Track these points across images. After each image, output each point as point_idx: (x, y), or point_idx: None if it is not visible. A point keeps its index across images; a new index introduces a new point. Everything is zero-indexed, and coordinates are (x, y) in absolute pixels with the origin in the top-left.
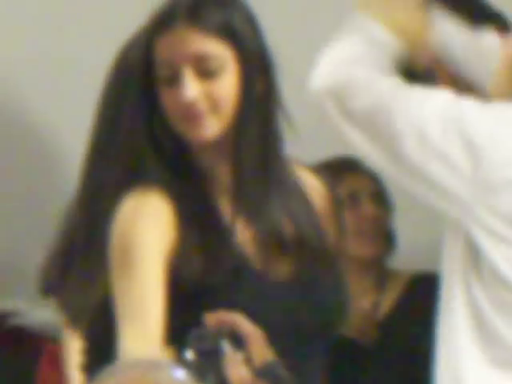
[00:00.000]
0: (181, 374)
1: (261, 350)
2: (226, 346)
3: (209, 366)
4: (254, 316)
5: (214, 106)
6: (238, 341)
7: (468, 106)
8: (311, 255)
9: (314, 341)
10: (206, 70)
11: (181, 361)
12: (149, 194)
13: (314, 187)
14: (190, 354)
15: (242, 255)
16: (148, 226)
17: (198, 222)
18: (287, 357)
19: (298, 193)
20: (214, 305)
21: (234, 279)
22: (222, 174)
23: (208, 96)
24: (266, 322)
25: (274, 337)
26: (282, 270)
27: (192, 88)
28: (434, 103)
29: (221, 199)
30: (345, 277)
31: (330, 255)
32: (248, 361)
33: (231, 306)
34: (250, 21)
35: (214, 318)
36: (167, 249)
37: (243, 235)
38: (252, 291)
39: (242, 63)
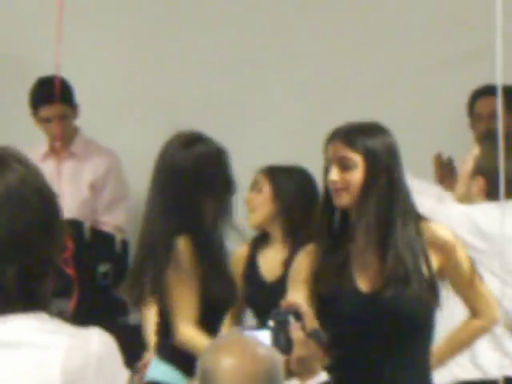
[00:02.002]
0: (266, 333)
1: (310, 321)
2: (291, 319)
3: (281, 329)
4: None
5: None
6: (298, 316)
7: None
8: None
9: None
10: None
11: (266, 326)
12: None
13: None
14: (271, 323)
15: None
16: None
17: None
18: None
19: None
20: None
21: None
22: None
23: (343, 180)
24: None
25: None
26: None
27: (333, 174)
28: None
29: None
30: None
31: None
32: (303, 327)
33: None
34: (386, 146)
35: (286, 303)
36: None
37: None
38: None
39: (369, 167)
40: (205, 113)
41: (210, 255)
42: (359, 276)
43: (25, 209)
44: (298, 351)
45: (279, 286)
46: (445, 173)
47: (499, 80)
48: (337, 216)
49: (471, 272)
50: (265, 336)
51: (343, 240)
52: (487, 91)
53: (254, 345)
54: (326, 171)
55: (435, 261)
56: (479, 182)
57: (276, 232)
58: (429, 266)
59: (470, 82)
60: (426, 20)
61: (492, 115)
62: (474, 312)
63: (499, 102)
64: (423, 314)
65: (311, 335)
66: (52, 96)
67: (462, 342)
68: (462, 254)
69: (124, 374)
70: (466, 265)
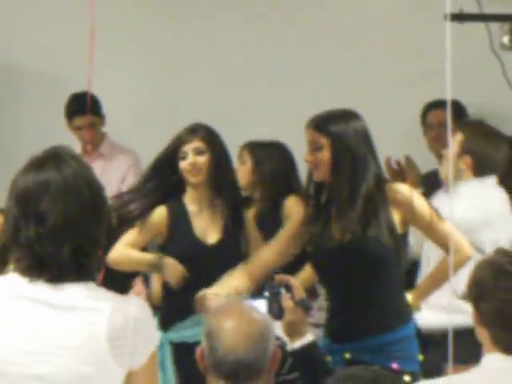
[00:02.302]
0: (262, 302)
1: (299, 292)
2: (283, 290)
3: (274, 299)
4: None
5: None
6: (288, 288)
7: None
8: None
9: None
10: (315, 148)
11: (262, 296)
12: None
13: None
14: (266, 293)
15: None
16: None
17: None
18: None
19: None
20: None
21: None
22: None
23: (314, 160)
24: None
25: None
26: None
27: (306, 155)
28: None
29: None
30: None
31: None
32: (292, 297)
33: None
34: (351, 129)
35: (279, 277)
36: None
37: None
38: None
39: (334, 148)
40: (210, 121)
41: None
42: (335, 228)
43: (78, 198)
44: (288, 317)
45: None
46: (394, 172)
47: (449, 96)
48: (313, 187)
49: (432, 215)
50: (260, 304)
51: (324, 204)
52: (437, 105)
53: (250, 310)
54: None
55: (398, 213)
56: (467, 161)
57: (256, 196)
58: (387, 216)
59: (423, 97)
60: (388, 45)
61: (441, 124)
62: (446, 250)
63: (449, 114)
64: (383, 254)
65: (299, 303)
66: (84, 108)
67: (438, 279)
68: (419, 202)
69: (156, 334)
70: (425, 210)
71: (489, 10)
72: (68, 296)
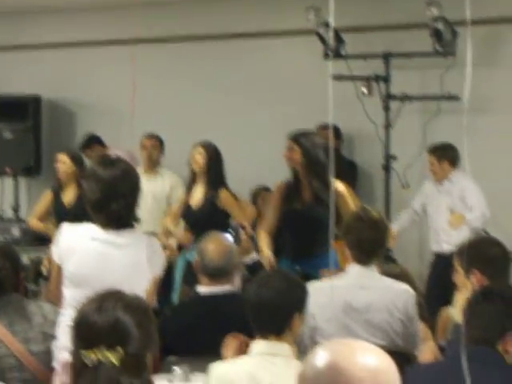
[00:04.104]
0: (229, 235)
1: (249, 230)
2: (240, 229)
3: (236, 233)
4: None
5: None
6: (243, 227)
7: None
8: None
9: None
10: (291, 150)
11: (229, 232)
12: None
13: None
14: (231, 230)
15: None
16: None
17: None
18: None
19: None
20: None
21: None
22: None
23: (291, 157)
24: None
25: None
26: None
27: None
28: None
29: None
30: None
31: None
32: (246, 233)
33: None
34: (312, 141)
35: (238, 221)
36: None
37: None
38: None
39: (302, 152)
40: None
41: None
42: (301, 201)
43: (129, 183)
44: (243, 244)
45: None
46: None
47: (330, 122)
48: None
49: (353, 199)
50: (229, 236)
51: (300, 184)
52: (323, 127)
53: (224, 239)
54: None
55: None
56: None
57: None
58: (326, 198)
59: (316, 124)
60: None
61: (326, 139)
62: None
63: (331, 133)
64: (325, 214)
65: (249, 236)
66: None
67: None
68: (344, 191)
69: (163, 253)
70: (348, 195)
71: (355, 72)
72: (125, 239)
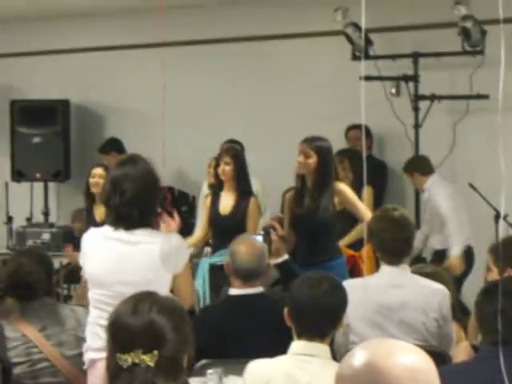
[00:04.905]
0: (260, 236)
1: (280, 231)
2: (271, 230)
3: (267, 235)
4: None
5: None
6: (274, 228)
7: None
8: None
9: None
10: (306, 156)
11: (260, 234)
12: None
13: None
14: (262, 232)
15: None
16: None
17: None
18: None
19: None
20: None
21: None
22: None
23: (305, 164)
24: None
25: None
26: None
27: (299, 159)
28: None
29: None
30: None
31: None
32: (276, 234)
33: None
34: (326, 147)
35: (269, 222)
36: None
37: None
38: None
39: (318, 158)
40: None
41: None
42: (306, 206)
43: (144, 183)
44: (274, 245)
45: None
46: None
47: (363, 121)
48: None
49: (355, 198)
50: (259, 238)
51: (305, 190)
52: (354, 127)
53: (255, 240)
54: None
55: (338, 198)
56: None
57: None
58: (330, 200)
59: (345, 124)
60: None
61: (357, 139)
62: (361, 219)
63: (363, 133)
64: (326, 220)
65: (280, 237)
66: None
67: (355, 236)
68: (347, 191)
69: (187, 253)
70: (351, 195)
71: (383, 73)
72: (136, 237)
